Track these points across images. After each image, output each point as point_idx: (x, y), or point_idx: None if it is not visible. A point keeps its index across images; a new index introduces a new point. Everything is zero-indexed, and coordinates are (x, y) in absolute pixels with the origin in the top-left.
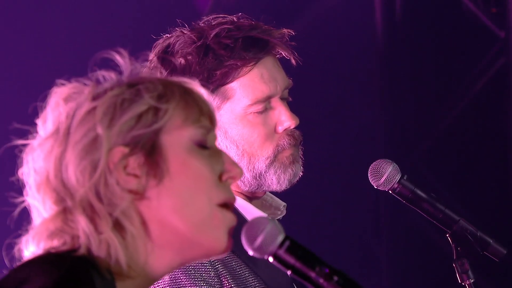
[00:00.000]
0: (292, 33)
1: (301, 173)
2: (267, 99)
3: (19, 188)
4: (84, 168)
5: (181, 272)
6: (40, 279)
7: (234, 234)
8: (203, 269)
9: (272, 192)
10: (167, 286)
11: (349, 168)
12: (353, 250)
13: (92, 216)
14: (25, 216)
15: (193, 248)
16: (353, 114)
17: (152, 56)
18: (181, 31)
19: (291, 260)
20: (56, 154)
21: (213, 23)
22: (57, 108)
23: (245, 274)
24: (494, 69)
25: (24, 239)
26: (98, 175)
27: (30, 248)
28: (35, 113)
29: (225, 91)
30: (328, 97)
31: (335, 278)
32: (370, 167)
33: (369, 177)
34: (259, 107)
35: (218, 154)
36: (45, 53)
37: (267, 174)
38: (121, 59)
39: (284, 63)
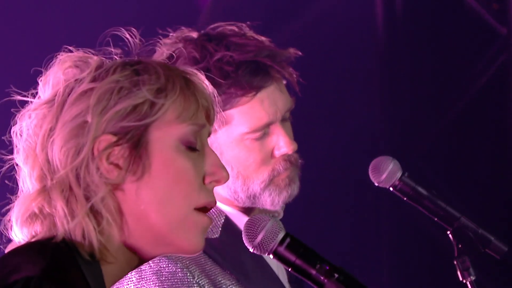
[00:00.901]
0: (299, 53)
1: (297, 190)
2: (266, 126)
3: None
4: (68, 150)
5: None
6: (28, 268)
7: (224, 245)
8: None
9: None
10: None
11: (349, 168)
12: (354, 247)
13: (69, 198)
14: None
15: (165, 245)
16: (353, 114)
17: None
18: (185, 41)
19: (291, 257)
20: (46, 128)
21: (218, 36)
22: (58, 74)
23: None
24: (495, 67)
25: (8, 216)
26: (81, 159)
27: (14, 230)
28: (36, 75)
29: (222, 116)
30: (328, 97)
31: (336, 275)
32: (371, 164)
33: (370, 174)
34: (257, 134)
35: (206, 155)
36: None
37: (262, 196)
38: (131, 38)
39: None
